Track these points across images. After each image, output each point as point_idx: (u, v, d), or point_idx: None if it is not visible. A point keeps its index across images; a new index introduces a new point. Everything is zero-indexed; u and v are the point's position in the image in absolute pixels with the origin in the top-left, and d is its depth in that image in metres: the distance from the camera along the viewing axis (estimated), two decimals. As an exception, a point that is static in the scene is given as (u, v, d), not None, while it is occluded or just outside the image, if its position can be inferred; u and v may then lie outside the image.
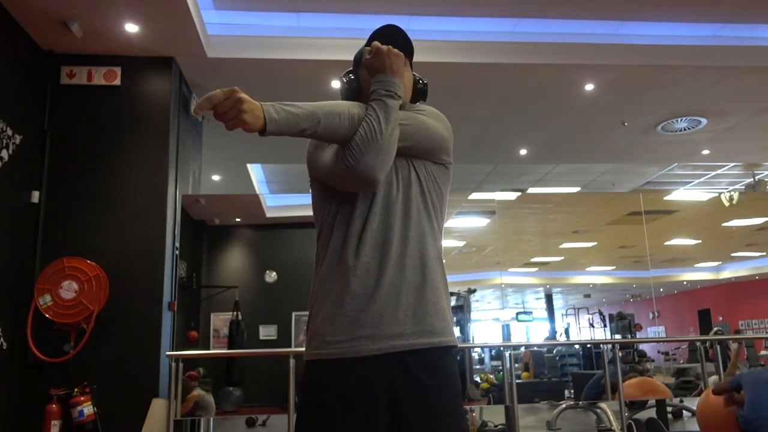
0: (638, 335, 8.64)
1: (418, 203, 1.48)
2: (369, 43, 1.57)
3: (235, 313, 5.16)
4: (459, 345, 6.91)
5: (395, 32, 1.56)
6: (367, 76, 1.55)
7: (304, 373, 1.44)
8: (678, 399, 6.54)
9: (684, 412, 6.41)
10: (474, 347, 8.00)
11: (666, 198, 8.02)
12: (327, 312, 1.41)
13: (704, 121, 6.30)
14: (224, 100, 1.32)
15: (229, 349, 5.05)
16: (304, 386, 1.43)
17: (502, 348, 5.17)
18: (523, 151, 7.20)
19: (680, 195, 8.76)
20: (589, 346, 8.76)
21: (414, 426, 1.33)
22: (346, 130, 1.40)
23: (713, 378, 5.09)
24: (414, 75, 1.63)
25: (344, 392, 1.36)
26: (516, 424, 4.25)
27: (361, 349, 1.37)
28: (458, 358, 6.93)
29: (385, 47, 1.48)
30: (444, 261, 1.56)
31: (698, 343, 5.31)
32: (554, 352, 9.45)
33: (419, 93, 1.65)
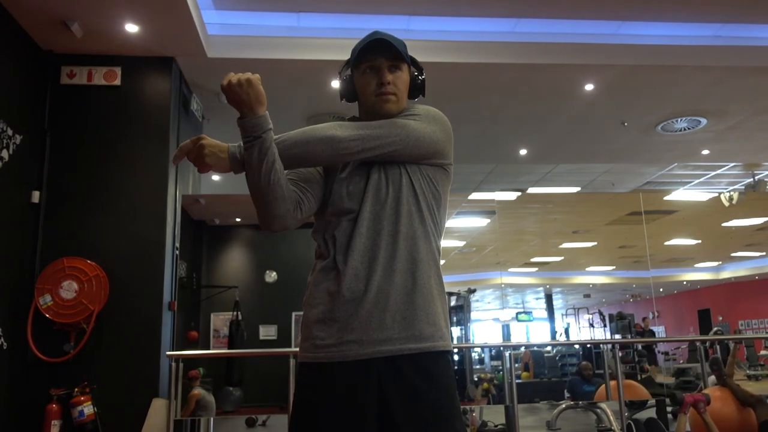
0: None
1: (410, 206, 1.47)
2: (353, 54, 1.54)
3: (235, 313, 5.16)
4: (459, 345, 6.90)
5: (380, 41, 1.50)
6: (361, 81, 1.53)
7: (297, 373, 1.46)
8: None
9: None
10: (474, 347, 8.01)
11: (666, 198, 8.03)
12: (318, 316, 1.43)
13: (704, 121, 6.30)
14: (191, 148, 1.41)
15: (229, 349, 5.06)
16: (297, 386, 1.47)
17: (502, 348, 5.17)
18: (523, 151, 7.20)
19: (680, 195, 8.76)
20: (589, 346, 8.75)
21: (403, 429, 1.33)
22: None
23: (713, 378, 5.09)
24: (412, 68, 1.59)
25: (333, 395, 1.37)
26: (516, 424, 4.25)
27: (349, 353, 1.38)
28: (458, 358, 6.93)
29: (226, 81, 1.36)
30: (443, 261, 1.55)
31: (698, 343, 5.31)
32: (554, 351, 9.45)
33: (417, 88, 1.62)
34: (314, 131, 1.44)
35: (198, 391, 4.39)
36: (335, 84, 4.79)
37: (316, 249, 1.53)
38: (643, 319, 9.34)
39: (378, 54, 1.50)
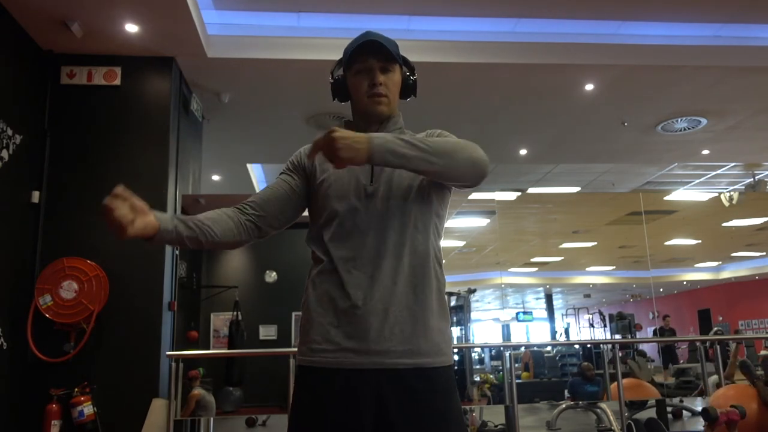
0: (638, 335, 8.64)
1: (416, 219, 1.45)
2: (345, 55, 1.53)
3: (235, 313, 5.16)
4: (459, 345, 6.88)
5: (371, 43, 1.49)
6: (353, 82, 1.53)
7: (295, 374, 1.47)
8: (678, 399, 6.55)
9: (684, 412, 6.41)
10: (474, 347, 8.01)
11: (666, 198, 8.02)
12: (316, 320, 1.42)
13: (704, 121, 6.30)
14: (324, 142, 1.29)
15: (229, 349, 5.06)
16: (295, 387, 1.47)
17: (502, 348, 5.17)
18: (523, 151, 7.20)
19: (680, 195, 8.76)
20: (589, 346, 8.75)
21: (394, 413, 1.32)
22: None
23: (713, 378, 5.09)
24: (404, 68, 1.58)
25: (331, 397, 1.36)
26: (516, 424, 4.25)
27: (345, 361, 1.37)
28: (458, 358, 6.93)
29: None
30: (443, 261, 1.54)
31: (698, 343, 5.31)
32: (554, 351, 9.45)
33: (409, 89, 1.60)
34: (464, 149, 1.38)
35: (198, 391, 4.39)
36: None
37: (313, 253, 1.50)
38: (664, 317, 9.25)
39: (369, 55, 1.50)
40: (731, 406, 3.95)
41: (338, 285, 1.40)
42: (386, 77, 1.51)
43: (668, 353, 8.06)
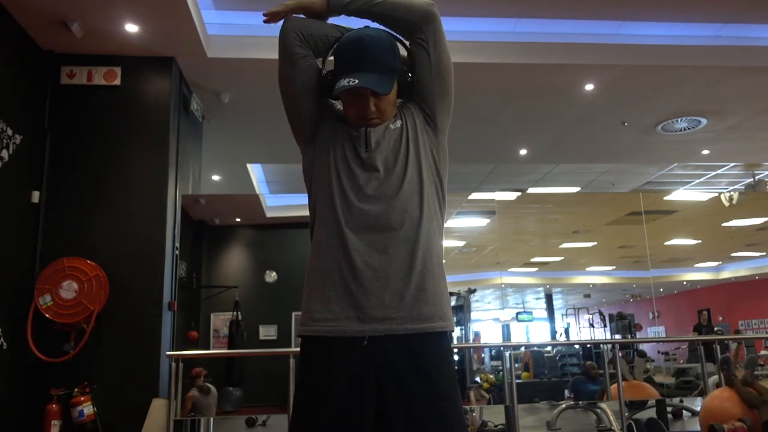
0: (638, 335, 8.64)
1: (417, 185, 1.47)
2: (338, 49, 1.55)
3: (235, 313, 5.16)
4: (459, 345, 6.89)
5: (371, 37, 1.54)
6: (343, 97, 1.51)
7: (300, 348, 1.47)
8: (678, 399, 6.54)
9: (684, 412, 6.41)
10: (474, 347, 8.00)
11: (666, 198, 8.02)
12: (317, 290, 1.44)
13: (704, 121, 6.30)
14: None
15: (229, 349, 5.06)
16: (298, 362, 1.51)
17: (502, 348, 5.17)
18: (523, 151, 7.20)
19: (680, 195, 8.76)
20: (589, 346, 8.75)
21: (395, 416, 1.33)
22: None
23: (713, 378, 5.09)
24: (402, 66, 1.56)
25: (332, 369, 1.38)
26: (516, 424, 4.25)
27: (346, 329, 1.38)
28: (458, 358, 6.93)
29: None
30: (443, 261, 1.55)
31: (698, 343, 5.31)
32: (554, 351, 9.45)
33: (409, 89, 1.57)
34: None
35: (192, 392, 4.38)
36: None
37: (314, 221, 1.51)
38: (700, 312, 9.14)
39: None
40: (739, 420, 3.87)
41: (337, 255, 1.41)
42: (379, 99, 1.48)
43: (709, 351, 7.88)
